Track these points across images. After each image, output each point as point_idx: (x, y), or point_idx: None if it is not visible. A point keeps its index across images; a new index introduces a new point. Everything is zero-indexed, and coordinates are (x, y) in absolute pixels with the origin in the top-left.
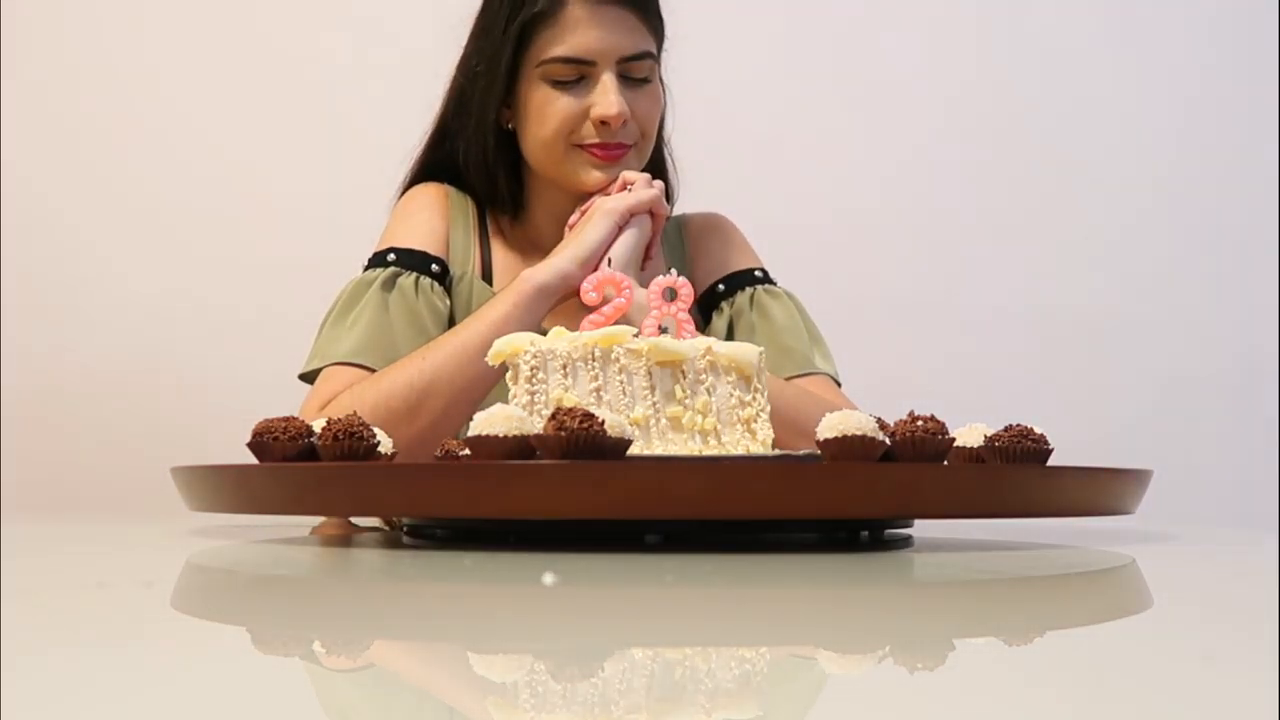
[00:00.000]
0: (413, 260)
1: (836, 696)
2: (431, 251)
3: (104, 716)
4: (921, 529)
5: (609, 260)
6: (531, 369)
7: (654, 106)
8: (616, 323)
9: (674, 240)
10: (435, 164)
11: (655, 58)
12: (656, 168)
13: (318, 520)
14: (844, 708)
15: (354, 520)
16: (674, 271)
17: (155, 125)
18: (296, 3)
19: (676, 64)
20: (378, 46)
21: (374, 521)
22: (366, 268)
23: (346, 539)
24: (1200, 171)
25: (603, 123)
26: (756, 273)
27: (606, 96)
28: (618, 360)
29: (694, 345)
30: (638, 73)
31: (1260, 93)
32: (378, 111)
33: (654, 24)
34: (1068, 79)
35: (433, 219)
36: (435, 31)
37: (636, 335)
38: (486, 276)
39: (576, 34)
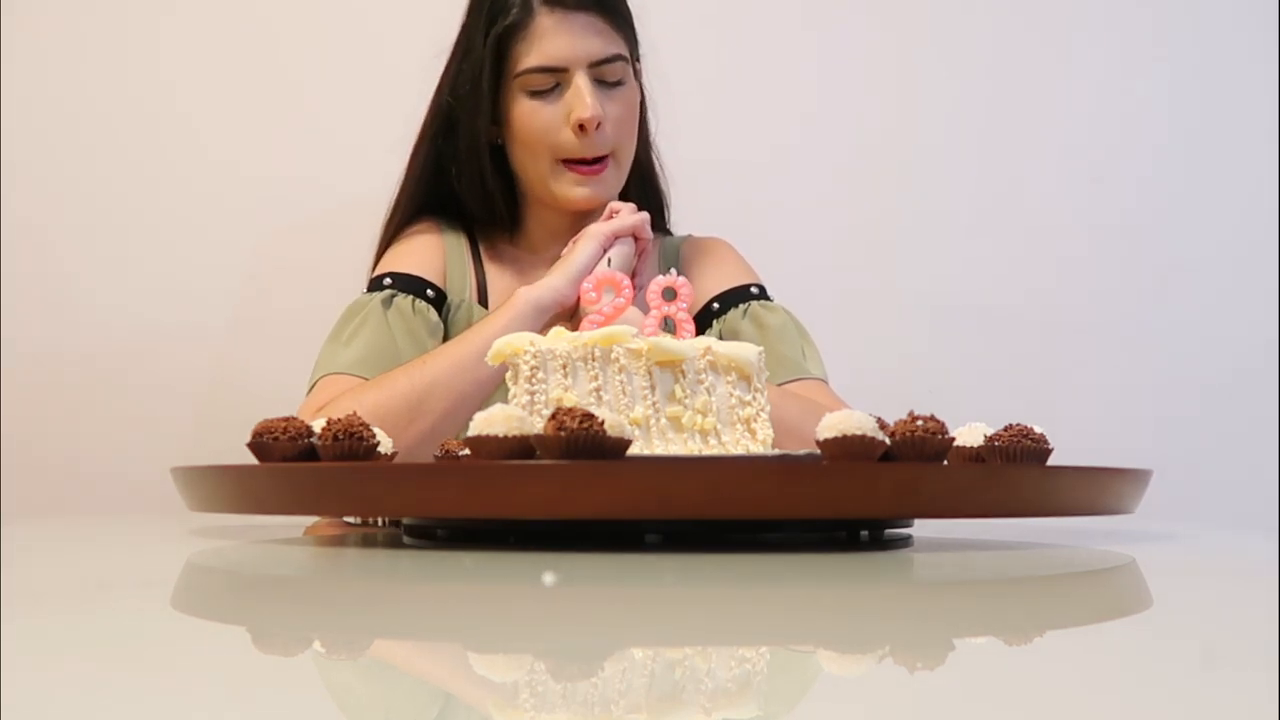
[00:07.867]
0: (409, 284)
1: (836, 696)
2: (428, 278)
3: (105, 717)
4: (921, 529)
5: (609, 260)
6: (531, 369)
7: (629, 108)
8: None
9: (673, 261)
10: (424, 195)
11: (628, 60)
12: (645, 174)
13: (311, 520)
14: (844, 707)
15: (348, 519)
16: (674, 271)
17: (154, 123)
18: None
19: (664, 69)
20: (374, 44)
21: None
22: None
23: (342, 539)
24: (1201, 170)
25: (580, 127)
26: (752, 289)
27: (581, 99)
28: (617, 360)
29: (694, 345)
30: (610, 76)
31: (1261, 91)
32: (374, 111)
33: (623, 28)
34: (1067, 78)
35: (428, 250)
36: (427, 29)
37: (636, 335)
38: (483, 301)
39: (547, 42)
